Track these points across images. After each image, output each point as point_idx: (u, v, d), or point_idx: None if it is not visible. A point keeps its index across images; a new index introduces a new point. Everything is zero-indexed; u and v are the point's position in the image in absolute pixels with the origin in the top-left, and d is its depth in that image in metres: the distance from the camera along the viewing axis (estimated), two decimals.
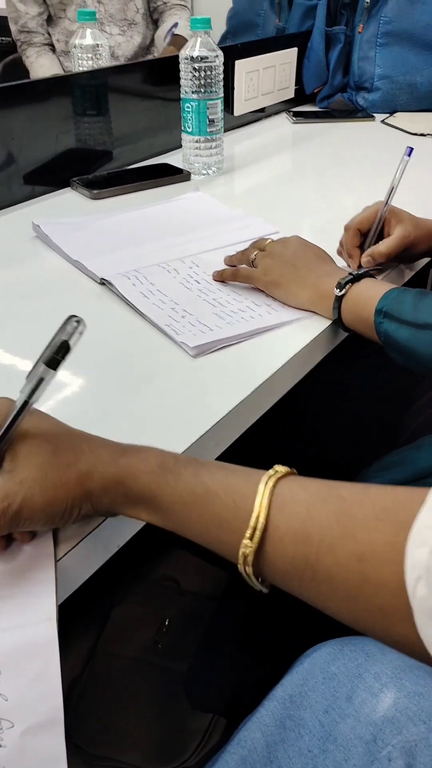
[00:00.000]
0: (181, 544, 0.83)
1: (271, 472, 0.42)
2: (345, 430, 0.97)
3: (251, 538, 0.40)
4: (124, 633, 0.97)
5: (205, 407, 0.62)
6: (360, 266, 0.84)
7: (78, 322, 0.43)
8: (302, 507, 0.40)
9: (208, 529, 0.42)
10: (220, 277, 0.83)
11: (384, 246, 0.82)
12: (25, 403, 0.44)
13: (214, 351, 0.70)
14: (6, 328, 0.77)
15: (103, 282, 0.83)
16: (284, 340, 0.73)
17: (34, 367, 0.43)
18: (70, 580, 0.49)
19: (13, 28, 1.96)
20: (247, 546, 0.40)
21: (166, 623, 0.98)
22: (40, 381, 0.43)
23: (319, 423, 1.00)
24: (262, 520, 0.40)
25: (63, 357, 0.43)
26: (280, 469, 0.43)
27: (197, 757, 0.84)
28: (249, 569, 0.41)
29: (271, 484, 0.41)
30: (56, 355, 0.42)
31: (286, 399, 0.71)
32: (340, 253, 0.88)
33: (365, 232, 0.86)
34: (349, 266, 0.86)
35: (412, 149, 0.82)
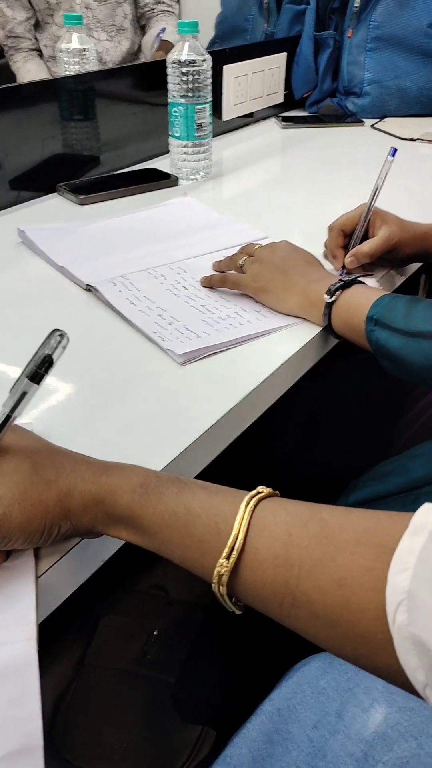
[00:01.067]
0: None
1: (253, 492, 0.42)
2: (336, 438, 0.96)
3: (227, 558, 0.39)
4: (112, 644, 0.95)
5: (194, 416, 0.61)
6: (344, 267, 0.83)
7: (61, 336, 0.43)
8: (283, 529, 0.39)
9: (189, 550, 0.42)
10: (209, 283, 0.82)
11: (368, 246, 0.82)
12: (7, 418, 0.43)
13: (202, 358, 0.69)
14: None
15: (89, 288, 0.82)
16: (274, 347, 0.72)
17: (17, 381, 0.43)
18: (52, 597, 0.48)
19: (0, 33, 1.94)
20: (222, 566, 0.39)
21: (155, 634, 0.96)
22: (23, 395, 0.43)
23: (310, 432, 1.00)
24: (240, 540, 0.39)
25: (46, 371, 0.42)
26: (264, 490, 0.42)
27: None
28: (223, 589, 0.40)
29: (252, 505, 0.40)
30: (39, 369, 0.42)
31: (276, 407, 0.70)
32: (326, 255, 0.87)
33: (349, 233, 0.85)
34: (334, 268, 0.85)
35: (395, 150, 0.81)
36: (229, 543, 0.39)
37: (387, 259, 0.86)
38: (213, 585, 0.40)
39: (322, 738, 0.51)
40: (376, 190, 0.83)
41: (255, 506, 0.40)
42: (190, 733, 0.86)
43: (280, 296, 0.76)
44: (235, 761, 0.52)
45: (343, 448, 0.94)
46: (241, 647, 0.91)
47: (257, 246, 0.81)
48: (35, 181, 1.16)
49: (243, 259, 0.80)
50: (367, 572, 0.35)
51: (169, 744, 0.85)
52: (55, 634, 0.92)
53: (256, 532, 0.39)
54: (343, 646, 0.37)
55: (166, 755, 0.84)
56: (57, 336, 0.43)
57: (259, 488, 0.42)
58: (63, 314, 0.80)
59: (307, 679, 0.55)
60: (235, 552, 0.39)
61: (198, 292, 0.81)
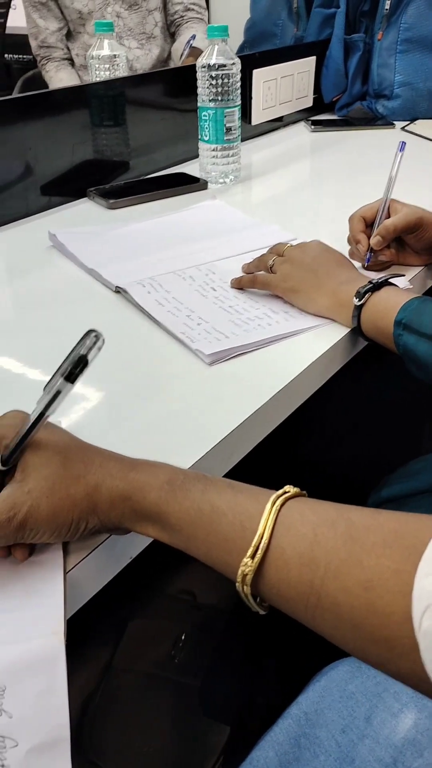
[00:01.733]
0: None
1: (280, 492, 0.41)
2: (368, 437, 0.95)
3: (252, 557, 0.39)
4: (139, 648, 0.95)
5: (221, 416, 0.60)
6: (371, 251, 0.83)
7: (97, 336, 0.43)
8: (309, 529, 0.38)
9: (214, 547, 0.41)
10: (238, 284, 0.82)
11: (391, 220, 0.81)
12: (41, 415, 0.44)
13: (230, 359, 0.69)
14: (21, 337, 0.76)
15: (118, 290, 0.83)
16: (302, 347, 0.71)
17: (51, 379, 0.43)
18: (81, 593, 0.48)
19: (33, 43, 1.97)
20: (247, 565, 0.39)
21: (182, 638, 0.96)
22: (57, 394, 0.43)
23: (341, 431, 0.99)
24: (265, 539, 0.39)
25: (81, 371, 0.42)
26: (290, 489, 0.41)
27: None
28: (247, 589, 0.39)
29: (278, 504, 0.40)
30: (74, 369, 0.42)
31: (306, 407, 0.70)
32: (352, 254, 0.87)
33: (370, 223, 0.85)
34: (360, 255, 0.85)
35: (404, 143, 0.84)
36: (254, 542, 0.39)
37: (415, 250, 0.85)
38: (237, 584, 0.40)
39: (351, 743, 0.50)
40: (391, 180, 0.85)
41: (282, 505, 0.40)
42: (216, 736, 0.85)
43: (309, 296, 0.75)
44: (262, 764, 0.52)
45: (374, 446, 0.93)
46: (268, 651, 0.91)
47: (287, 246, 0.81)
48: (66, 187, 1.17)
49: (273, 259, 0.80)
50: (393, 575, 0.35)
51: (196, 747, 0.85)
52: (83, 637, 0.92)
53: (281, 531, 0.39)
54: (367, 650, 0.36)
55: (192, 758, 0.84)
56: (93, 336, 0.43)
57: (286, 487, 0.42)
58: (92, 315, 0.80)
59: (335, 682, 0.54)
60: (260, 551, 0.39)
61: (226, 293, 0.81)
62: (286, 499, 0.41)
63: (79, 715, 0.87)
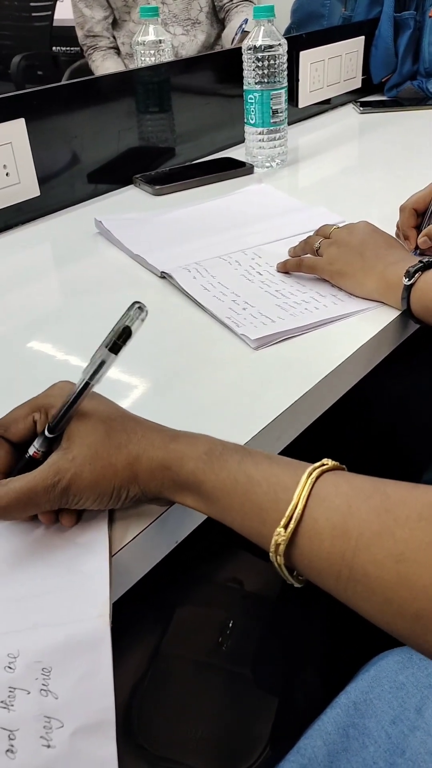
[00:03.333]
0: (244, 545, 0.82)
1: (317, 464, 0.41)
2: (418, 421, 0.93)
3: (285, 527, 0.38)
4: (187, 634, 0.95)
5: (267, 400, 0.59)
6: (417, 248, 0.80)
7: (140, 308, 0.44)
8: (343, 501, 0.38)
9: (248, 517, 0.41)
10: (284, 268, 0.80)
11: None
12: (86, 385, 0.45)
13: (275, 343, 0.68)
14: (68, 323, 0.76)
15: (164, 275, 0.82)
16: (350, 331, 0.70)
17: (97, 350, 0.44)
18: (126, 577, 0.48)
19: (79, 33, 1.98)
20: (280, 534, 0.39)
21: (230, 625, 0.96)
22: (102, 364, 0.44)
23: (393, 415, 0.96)
24: (299, 510, 0.38)
25: (124, 342, 0.44)
26: (328, 462, 0.41)
27: (260, 763, 0.81)
28: (280, 559, 0.39)
29: (314, 476, 0.40)
30: (118, 340, 0.44)
31: (352, 393, 0.68)
32: (398, 236, 0.84)
33: (422, 212, 0.82)
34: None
35: None
36: (288, 512, 0.39)
37: None
38: (270, 554, 0.40)
39: (401, 734, 0.49)
40: None
41: (317, 477, 0.40)
42: (264, 723, 0.84)
43: (357, 279, 0.73)
44: (310, 753, 0.51)
45: (425, 431, 0.91)
46: (317, 640, 0.90)
47: (334, 227, 0.79)
48: (112, 174, 1.17)
49: (319, 241, 0.78)
50: (427, 547, 0.34)
51: (244, 735, 0.85)
52: (131, 622, 0.93)
53: (316, 502, 0.39)
54: (396, 624, 0.35)
55: (241, 746, 0.84)
56: (136, 308, 0.44)
57: (324, 460, 0.41)
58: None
59: (385, 673, 0.53)
60: (293, 522, 0.38)
61: (273, 277, 0.80)
62: (323, 472, 0.40)
63: (128, 699, 0.88)
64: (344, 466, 0.42)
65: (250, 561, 1.00)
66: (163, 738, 0.85)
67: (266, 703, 0.87)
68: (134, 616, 0.89)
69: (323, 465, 0.41)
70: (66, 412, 0.45)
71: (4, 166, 0.98)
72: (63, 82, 1.11)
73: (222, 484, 0.42)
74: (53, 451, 0.45)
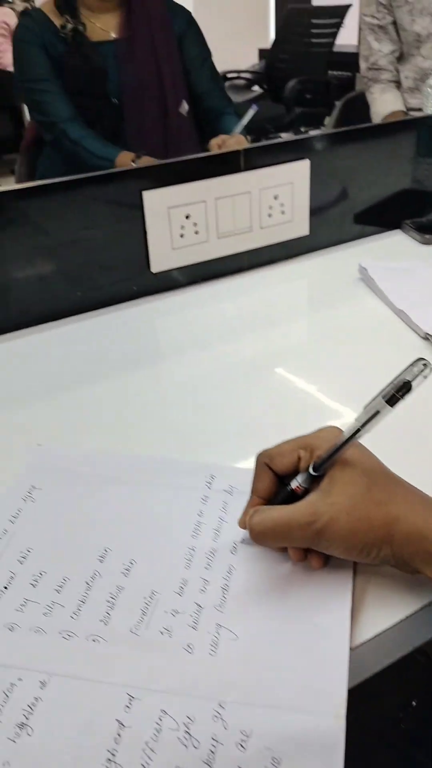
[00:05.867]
0: None
1: None
2: None
3: None
4: (364, 703, 0.91)
5: None
6: None
7: (425, 365, 0.44)
8: None
9: None
10: None
11: None
12: (356, 431, 0.45)
13: None
14: (320, 368, 0.76)
15: (428, 337, 0.79)
16: None
17: (372, 400, 0.45)
18: (354, 673, 0.45)
19: (362, 65, 1.98)
20: None
21: (413, 704, 0.89)
22: (375, 414, 0.45)
23: None
24: None
25: (403, 396, 0.44)
26: None
27: None
28: None
29: None
30: (397, 393, 0.44)
31: None
32: None
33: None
34: None
35: None
36: None
37: None
38: None
39: None
40: None
41: None
42: None
43: None
44: None
45: None
46: None
47: None
48: (379, 216, 1.15)
49: None
50: None
51: None
52: None
53: None
54: None
55: None
56: (420, 365, 0.44)
57: None
58: (395, 360, 0.77)
59: None
60: None
61: None
62: None
63: None
64: None
65: None
66: None
67: None
68: None
69: None
70: (333, 454, 0.46)
71: (281, 204, 1.00)
72: (347, 128, 1.11)
73: None
74: (312, 490, 0.47)
